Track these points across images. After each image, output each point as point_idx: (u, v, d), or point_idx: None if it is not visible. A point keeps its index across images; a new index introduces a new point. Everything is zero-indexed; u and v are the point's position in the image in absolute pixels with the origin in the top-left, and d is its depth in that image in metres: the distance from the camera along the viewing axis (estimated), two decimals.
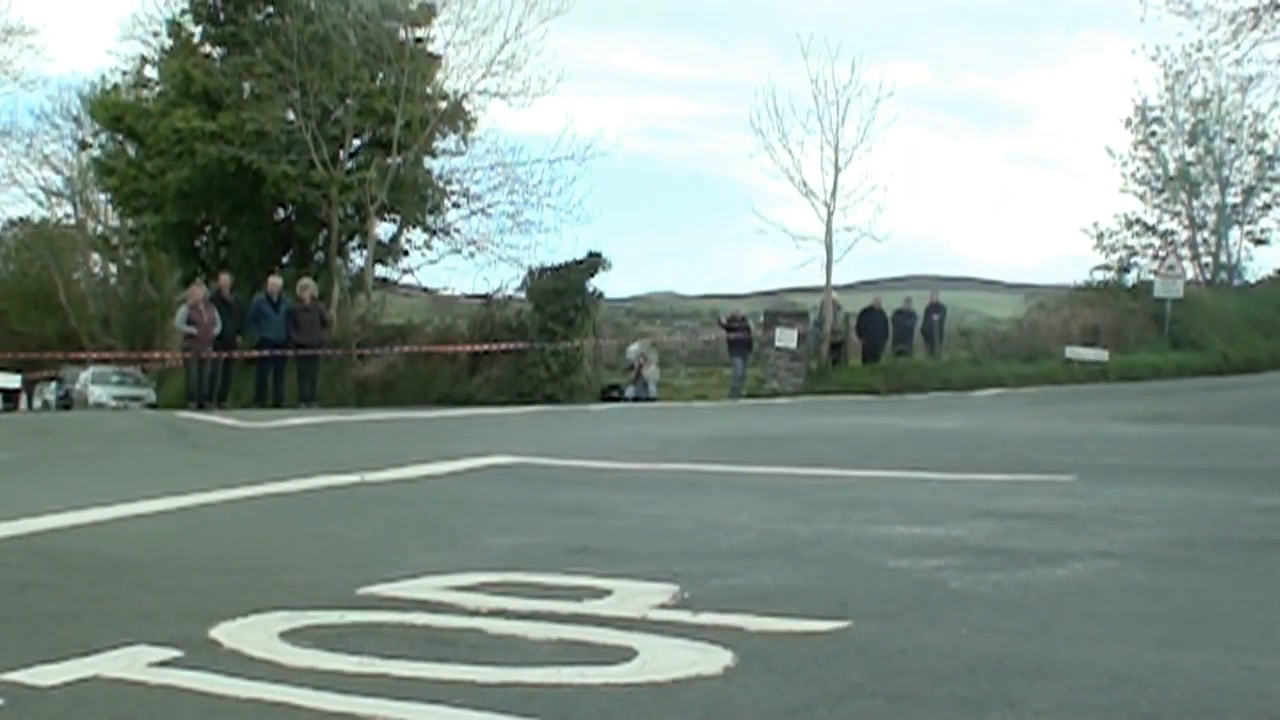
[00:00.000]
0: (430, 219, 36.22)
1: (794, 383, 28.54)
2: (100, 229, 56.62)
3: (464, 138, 35.75)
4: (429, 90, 33.87)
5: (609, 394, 28.00)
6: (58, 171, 56.65)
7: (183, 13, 35.54)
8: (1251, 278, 40.18)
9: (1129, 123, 40.04)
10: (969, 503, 7.79)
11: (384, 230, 35.35)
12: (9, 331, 52.21)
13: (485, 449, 11.45)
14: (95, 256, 59.15)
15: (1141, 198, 40.09)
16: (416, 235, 36.82)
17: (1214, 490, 8.61)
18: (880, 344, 32.41)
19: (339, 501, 8.48)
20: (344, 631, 4.42)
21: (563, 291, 27.62)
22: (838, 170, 30.54)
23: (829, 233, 30.41)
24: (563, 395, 26.51)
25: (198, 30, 35.72)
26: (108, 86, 39.33)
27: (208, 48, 35.60)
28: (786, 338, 29.04)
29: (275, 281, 26.33)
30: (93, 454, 13.18)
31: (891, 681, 3.76)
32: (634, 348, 30.50)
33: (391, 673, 3.86)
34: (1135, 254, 39.41)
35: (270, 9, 34.17)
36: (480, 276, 44.26)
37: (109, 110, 36.75)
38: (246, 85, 33.36)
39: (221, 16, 34.89)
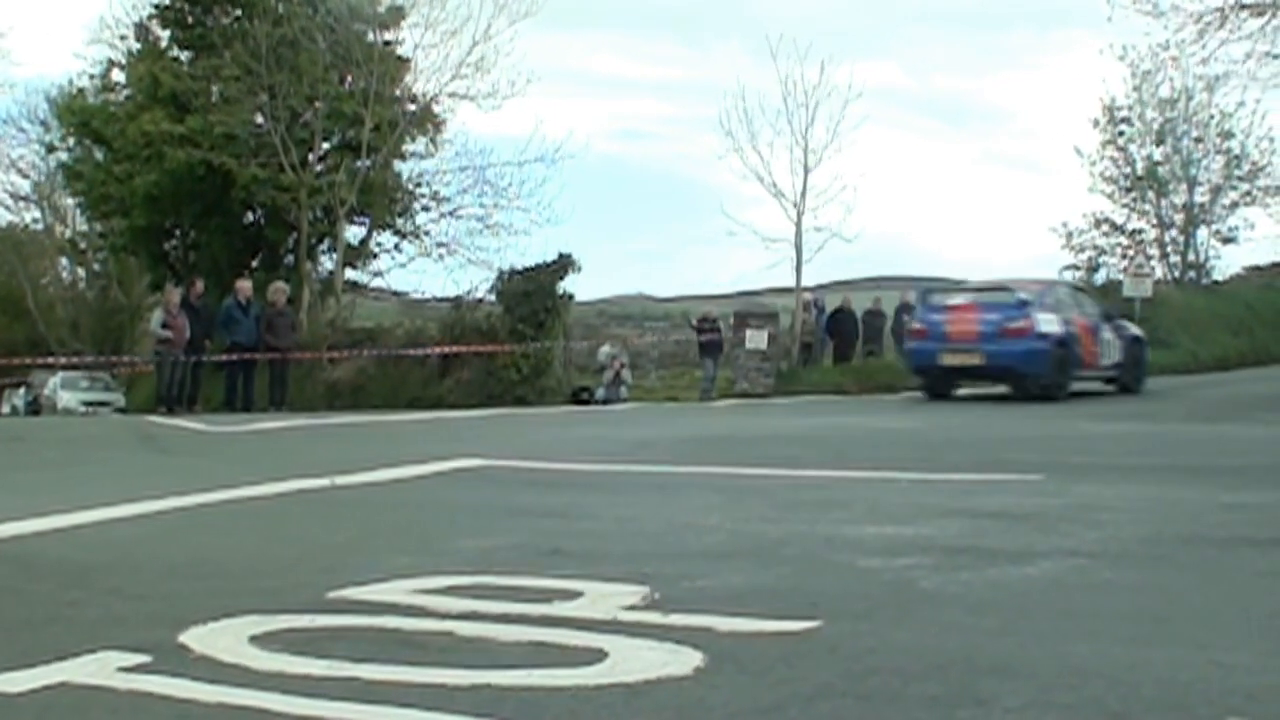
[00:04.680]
0: (400, 222, 36.18)
1: (764, 384, 28.54)
2: (68, 233, 56.27)
3: (433, 140, 35.74)
4: (398, 93, 33.80)
5: (579, 396, 27.99)
6: (25, 176, 56.27)
7: (150, 16, 35.39)
8: (1220, 276, 40.41)
9: (1097, 123, 40.21)
10: (939, 502, 7.81)
11: (353, 233, 35.30)
12: None
13: (456, 452, 11.43)
14: (63, 261, 58.79)
15: (1110, 197, 40.27)
16: (386, 238, 36.81)
17: (1183, 488, 8.65)
18: (851, 344, 32.47)
19: (309, 505, 8.46)
20: (314, 635, 4.41)
21: (533, 294, 27.61)
22: (807, 171, 30.56)
23: (799, 234, 30.44)
24: (533, 397, 26.50)
25: (165, 34, 35.59)
26: (75, 90, 39.18)
27: (175, 51, 35.44)
28: (757, 339, 29.04)
29: (245, 285, 26.28)
30: (62, 460, 13.13)
31: (862, 681, 3.77)
32: (605, 349, 30.49)
33: (362, 676, 3.85)
34: (1104, 253, 39.56)
35: (238, 12, 34.04)
36: (450, 279, 44.12)
37: (76, 114, 36.60)
38: (215, 88, 33.22)
39: (189, 20, 34.77)
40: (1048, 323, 19.80)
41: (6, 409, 41.13)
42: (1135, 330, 23.05)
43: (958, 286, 23.26)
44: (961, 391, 21.78)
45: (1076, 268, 38.77)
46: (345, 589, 5.19)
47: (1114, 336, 21.57)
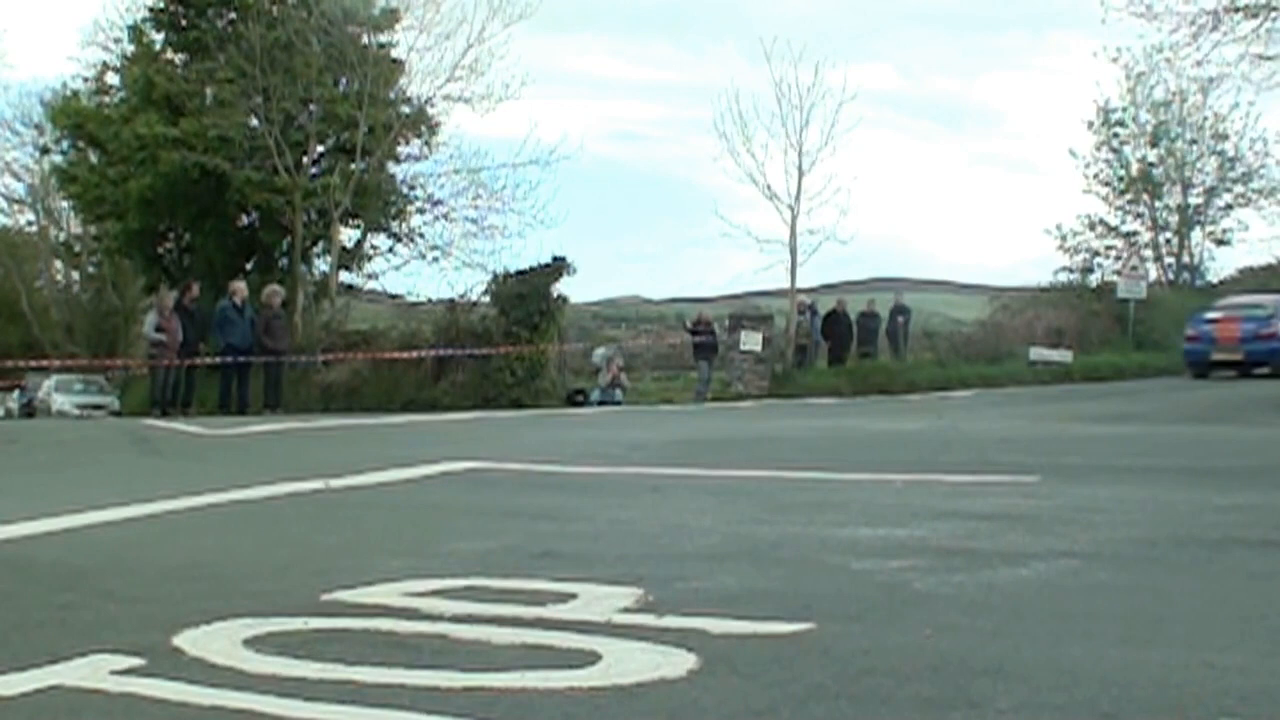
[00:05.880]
0: (394, 224, 36.14)
1: (759, 386, 28.56)
2: (63, 236, 56.31)
3: (427, 143, 35.70)
4: (392, 95, 33.80)
5: (574, 398, 28.00)
6: (19, 178, 56.35)
7: (144, 19, 35.35)
8: (1214, 278, 40.46)
9: (1091, 124, 40.26)
10: (933, 504, 7.81)
11: (348, 236, 35.25)
12: None
13: (450, 454, 11.42)
14: (58, 264, 58.82)
15: (1104, 199, 40.33)
16: (380, 241, 36.79)
17: (1176, 489, 8.65)
18: (845, 346, 32.50)
19: (303, 508, 8.45)
20: (308, 638, 4.40)
21: (527, 296, 27.61)
22: (801, 173, 30.62)
23: (793, 236, 30.50)
24: (528, 400, 26.50)
25: (159, 36, 35.54)
26: (69, 93, 39.17)
27: (170, 54, 35.39)
28: (751, 341, 29.06)
29: (240, 287, 26.22)
30: (56, 462, 13.11)
31: (855, 682, 3.77)
32: (600, 351, 30.51)
33: (355, 679, 3.85)
34: (1098, 255, 39.66)
35: (232, 15, 34.00)
36: (445, 282, 44.05)
37: (70, 117, 36.54)
38: (209, 91, 33.17)
39: (183, 23, 34.72)
40: None
41: (1, 411, 41.09)
42: None
43: (1218, 305, 30.36)
44: (953, 394, 21.91)
45: (1071, 270, 38.87)
46: (339, 592, 5.18)
47: None
